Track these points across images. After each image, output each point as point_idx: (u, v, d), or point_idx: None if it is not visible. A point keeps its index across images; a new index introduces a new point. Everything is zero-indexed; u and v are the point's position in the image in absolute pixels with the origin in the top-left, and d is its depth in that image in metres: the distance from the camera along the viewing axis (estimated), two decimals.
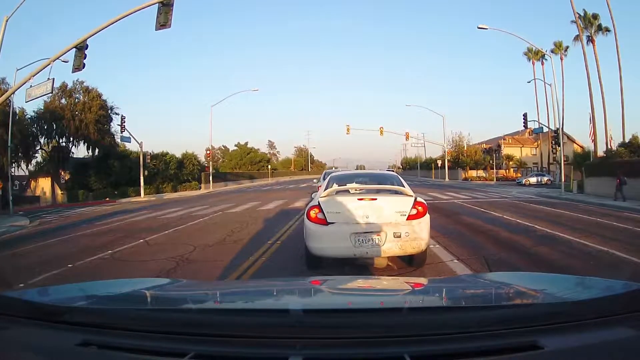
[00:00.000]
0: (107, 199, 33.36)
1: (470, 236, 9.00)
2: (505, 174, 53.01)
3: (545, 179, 40.16)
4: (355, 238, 5.28)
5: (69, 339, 1.18)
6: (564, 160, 27.83)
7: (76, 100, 38.72)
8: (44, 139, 38.79)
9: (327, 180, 6.90)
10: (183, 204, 21.63)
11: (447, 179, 51.06)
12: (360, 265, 5.88)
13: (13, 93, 19.47)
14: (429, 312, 1.40)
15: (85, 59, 14.99)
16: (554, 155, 29.90)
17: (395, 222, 5.38)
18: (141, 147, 34.14)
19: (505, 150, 59.24)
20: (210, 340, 1.16)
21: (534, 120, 33.94)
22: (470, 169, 56.27)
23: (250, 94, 65.35)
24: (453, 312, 1.42)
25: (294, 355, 1.05)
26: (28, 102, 18.46)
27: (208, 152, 45.67)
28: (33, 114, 36.68)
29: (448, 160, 54.00)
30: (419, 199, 5.69)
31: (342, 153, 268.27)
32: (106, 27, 15.14)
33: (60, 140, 39.33)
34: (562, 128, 28.23)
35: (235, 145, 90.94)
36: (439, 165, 56.12)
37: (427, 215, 5.63)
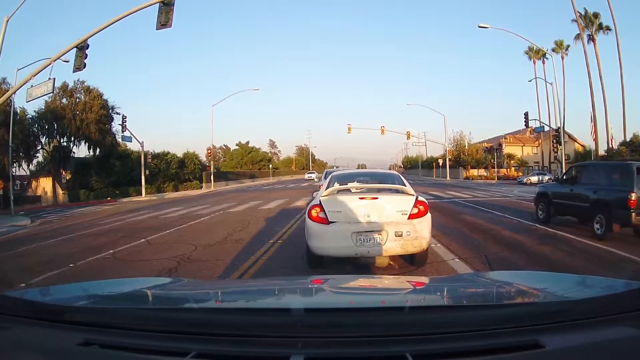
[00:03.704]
0: (109, 198, 33.40)
1: (471, 235, 9.00)
2: (506, 173, 52.90)
3: (546, 178, 40.06)
4: (357, 237, 5.28)
5: (70, 339, 1.18)
6: (565, 159, 27.81)
7: (77, 100, 38.74)
8: (45, 138, 38.81)
9: (328, 179, 6.91)
10: (184, 204, 21.65)
11: (448, 178, 51.02)
12: (361, 265, 5.88)
13: (14, 93, 19.49)
14: (430, 311, 1.40)
15: (86, 58, 15.03)
16: (555, 154, 29.94)
17: (396, 221, 5.38)
18: (142, 147, 34.20)
19: (507, 149, 59.13)
20: (212, 339, 1.16)
21: (535, 119, 33.98)
22: (472, 168, 56.20)
23: (251, 94, 65.56)
24: (454, 311, 1.42)
25: (295, 354, 1.05)
26: (29, 102, 18.53)
27: (209, 151, 45.70)
28: (34, 113, 36.74)
29: (449, 159, 53.97)
30: (420, 198, 5.69)
31: (344, 152, 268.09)
32: (107, 26, 15.16)
33: (62, 140, 39.35)
34: (563, 127, 28.26)
35: (237, 145, 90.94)
36: (440, 164, 56.06)
37: (429, 214, 5.63)
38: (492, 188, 30.94)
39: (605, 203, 8.41)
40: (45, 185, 41.74)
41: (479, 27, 27.02)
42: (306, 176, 66.81)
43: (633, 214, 7.73)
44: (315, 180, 46.87)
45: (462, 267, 6.15)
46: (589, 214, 8.92)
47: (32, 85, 16.46)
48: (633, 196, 7.72)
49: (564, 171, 26.15)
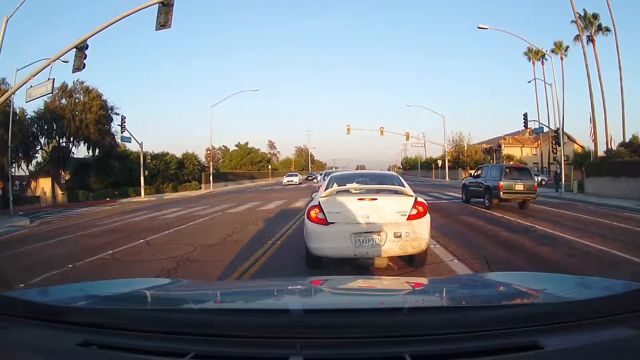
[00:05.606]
0: (108, 199, 33.34)
1: (470, 236, 9.00)
2: None
3: (539, 178, 39.91)
4: (356, 238, 5.27)
5: (69, 339, 1.18)
6: (565, 160, 27.80)
7: (76, 100, 38.73)
8: (44, 139, 38.79)
9: (327, 180, 6.91)
10: (183, 204, 21.62)
11: (447, 178, 51.02)
12: (360, 265, 5.88)
13: (13, 93, 19.48)
14: (429, 312, 1.40)
15: (85, 59, 15.00)
16: (555, 155, 29.84)
17: (395, 222, 5.38)
18: (141, 148, 34.14)
19: (506, 150, 59.02)
20: (211, 340, 1.16)
21: (534, 120, 33.84)
22: (471, 169, 56.04)
23: (250, 94, 65.36)
24: (453, 312, 1.42)
25: (294, 355, 1.05)
26: (28, 102, 18.53)
27: (208, 152, 45.58)
28: (33, 114, 36.70)
29: (448, 160, 53.95)
30: (419, 199, 5.69)
31: (343, 153, 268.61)
32: (106, 27, 15.15)
33: (61, 141, 39.32)
34: (563, 128, 28.21)
35: (236, 146, 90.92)
36: (440, 165, 56.03)
37: (428, 215, 5.63)
38: None
39: (489, 187, 15.06)
40: (44, 185, 41.69)
41: (478, 28, 26.99)
42: (285, 180, 46.02)
43: (501, 192, 14.32)
44: (296, 183, 44.62)
45: (461, 268, 6.14)
46: (482, 194, 15.63)
47: (31, 86, 16.42)
48: (501, 183, 14.34)
49: (563, 172, 26.41)
